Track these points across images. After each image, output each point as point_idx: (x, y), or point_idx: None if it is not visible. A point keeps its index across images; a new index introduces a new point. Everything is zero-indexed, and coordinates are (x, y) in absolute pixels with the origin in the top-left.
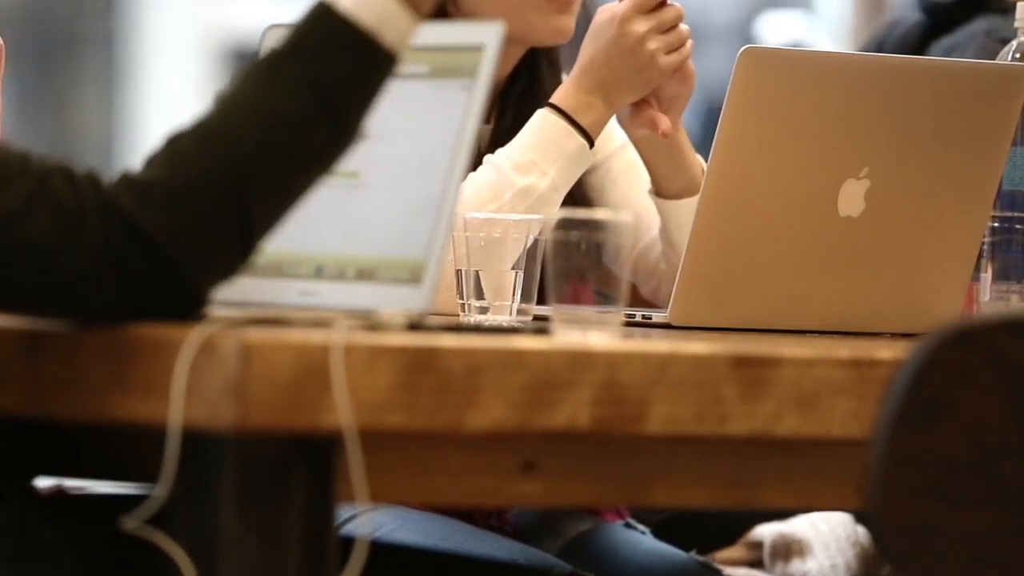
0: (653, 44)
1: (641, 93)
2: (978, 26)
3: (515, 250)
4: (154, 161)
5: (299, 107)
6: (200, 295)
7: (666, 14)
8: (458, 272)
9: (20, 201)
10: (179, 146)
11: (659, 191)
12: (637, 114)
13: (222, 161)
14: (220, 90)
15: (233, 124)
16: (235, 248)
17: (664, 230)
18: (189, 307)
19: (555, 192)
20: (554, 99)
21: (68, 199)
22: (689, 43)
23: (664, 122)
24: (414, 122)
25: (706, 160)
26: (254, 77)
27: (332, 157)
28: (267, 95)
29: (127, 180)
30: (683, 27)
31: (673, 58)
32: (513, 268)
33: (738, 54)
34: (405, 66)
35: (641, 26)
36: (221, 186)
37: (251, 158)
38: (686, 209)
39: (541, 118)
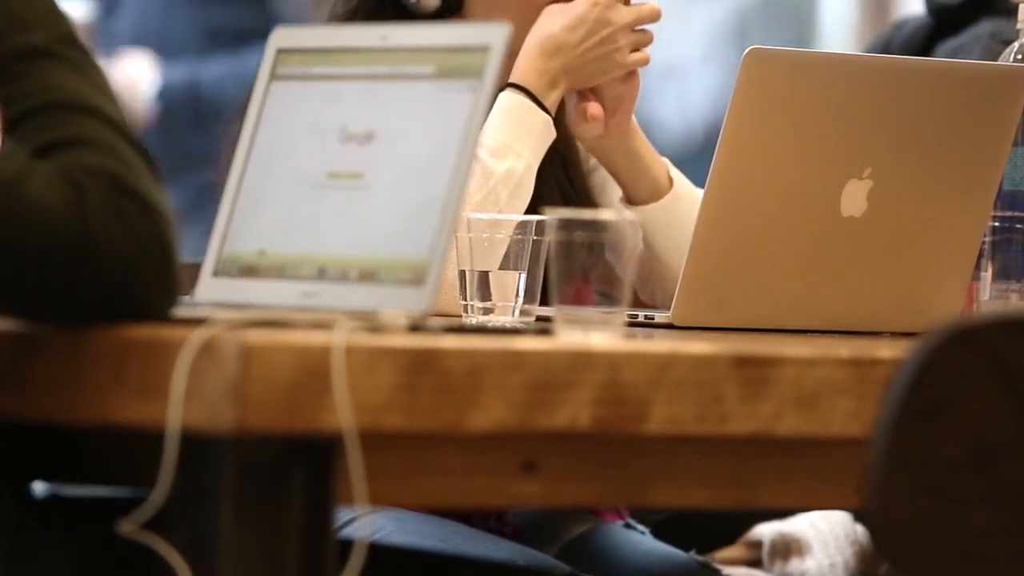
0: (624, 39)
1: (593, 82)
2: (983, 28)
3: (516, 249)
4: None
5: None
6: (174, 222)
7: (645, 10)
8: (461, 273)
9: (17, 169)
10: (26, 169)
11: (628, 198)
12: (577, 109)
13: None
14: None
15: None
16: (144, 155)
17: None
18: (175, 243)
19: (530, 172)
20: (517, 78)
21: (57, 174)
22: (648, 50)
23: (593, 107)
24: (419, 123)
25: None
26: None
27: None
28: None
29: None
30: (650, 28)
31: (635, 57)
32: (516, 269)
33: (743, 55)
34: (410, 67)
35: (622, 17)
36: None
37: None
38: (656, 214)
39: (507, 100)
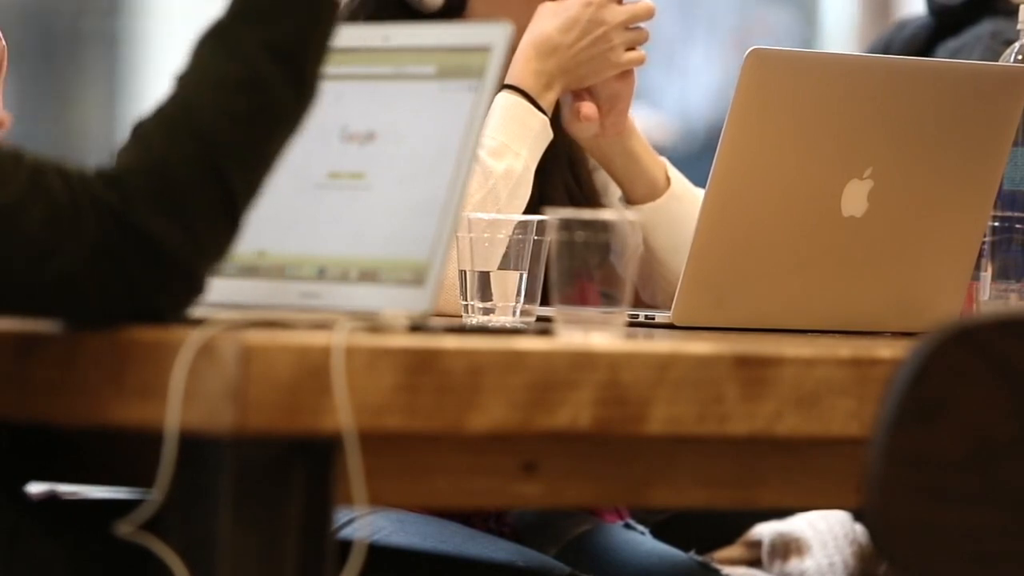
0: (618, 37)
1: (588, 81)
2: (984, 28)
3: (517, 249)
4: (123, 151)
5: (256, 70)
6: (196, 280)
7: (639, 8)
8: (461, 273)
9: (14, 198)
10: (144, 131)
11: (626, 198)
12: (571, 109)
13: (189, 137)
14: (177, 70)
15: (193, 98)
16: (222, 223)
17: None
18: (187, 294)
19: (528, 171)
20: (513, 79)
21: (62, 195)
22: (643, 50)
23: (587, 107)
24: (420, 123)
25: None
26: (206, 49)
27: (297, 114)
28: (222, 63)
29: (102, 174)
30: (644, 26)
31: (630, 56)
32: (517, 269)
33: (744, 55)
34: (412, 66)
35: (615, 15)
36: (194, 163)
37: (217, 129)
38: (653, 213)
39: (504, 100)
